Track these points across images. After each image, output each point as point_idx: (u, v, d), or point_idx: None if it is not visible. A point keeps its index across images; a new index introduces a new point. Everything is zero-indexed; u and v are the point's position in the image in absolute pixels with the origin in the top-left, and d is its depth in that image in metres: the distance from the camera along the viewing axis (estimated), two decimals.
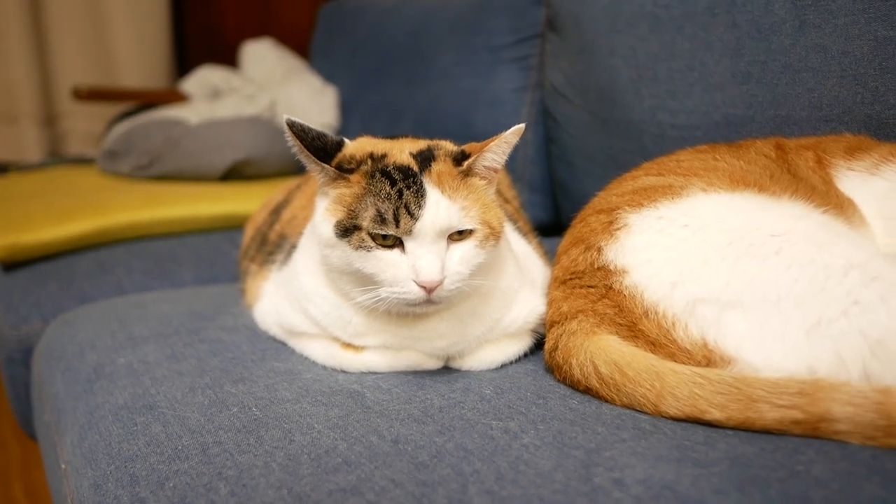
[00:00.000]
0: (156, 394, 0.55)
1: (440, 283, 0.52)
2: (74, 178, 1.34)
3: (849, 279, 0.54)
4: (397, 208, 0.52)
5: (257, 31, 2.09)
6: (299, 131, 0.56)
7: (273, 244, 0.77)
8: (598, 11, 1.04)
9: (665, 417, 0.52)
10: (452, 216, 0.53)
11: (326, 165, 0.56)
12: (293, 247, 0.71)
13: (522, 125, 0.58)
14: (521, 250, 0.71)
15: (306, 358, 0.62)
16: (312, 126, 0.58)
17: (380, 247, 0.53)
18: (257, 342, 0.65)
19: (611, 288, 0.60)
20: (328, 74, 1.85)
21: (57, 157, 1.80)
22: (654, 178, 0.69)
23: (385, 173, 0.54)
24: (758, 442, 0.48)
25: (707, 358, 0.54)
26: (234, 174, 1.29)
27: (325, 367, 0.60)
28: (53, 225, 0.99)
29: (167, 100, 1.87)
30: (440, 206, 0.53)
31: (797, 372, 0.52)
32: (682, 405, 0.52)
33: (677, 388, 0.53)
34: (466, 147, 0.59)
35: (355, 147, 0.58)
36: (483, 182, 0.58)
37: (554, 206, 1.31)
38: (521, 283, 0.64)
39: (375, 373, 0.59)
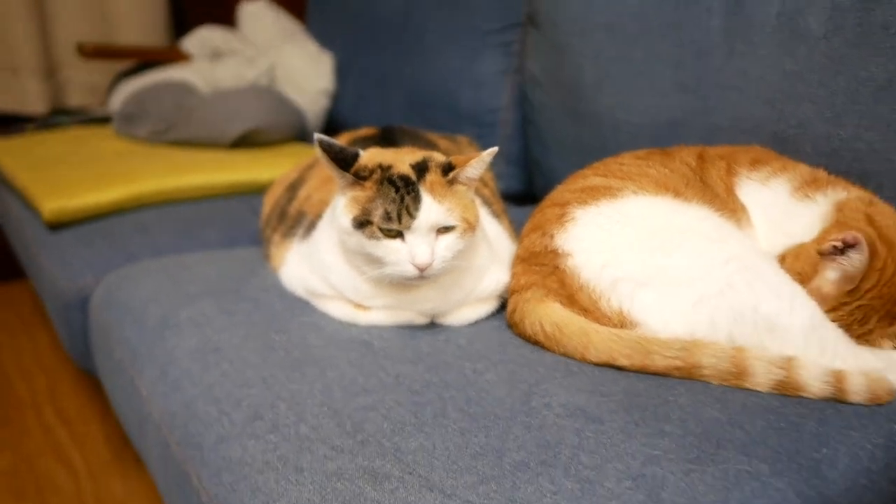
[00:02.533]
0: (218, 340, 0.74)
1: (430, 264, 0.71)
2: (97, 141, 1.48)
3: (727, 268, 0.73)
4: (400, 210, 0.70)
5: None
6: (326, 146, 0.73)
7: (293, 219, 0.95)
8: (569, 16, 1.21)
9: (589, 363, 0.73)
10: (440, 216, 0.72)
11: (347, 174, 0.73)
12: (311, 223, 0.89)
13: (496, 149, 0.76)
14: (493, 232, 0.89)
15: (326, 314, 0.82)
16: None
17: (386, 237, 0.71)
18: (287, 300, 0.85)
19: (557, 267, 0.79)
20: (323, 38, 1.97)
21: (67, 113, 1.92)
22: (599, 179, 0.88)
23: (391, 181, 0.72)
24: (649, 381, 0.69)
25: (622, 322, 0.74)
26: (244, 142, 1.45)
27: (341, 322, 0.80)
28: (93, 190, 1.16)
29: (169, 58, 1.99)
30: (431, 209, 0.71)
31: (683, 334, 0.72)
32: (600, 355, 0.73)
33: (599, 343, 0.73)
34: (453, 159, 0.76)
35: (368, 158, 0.76)
36: (464, 187, 0.76)
37: (528, 178, 1.49)
38: (491, 260, 0.84)
39: (379, 326, 0.79)
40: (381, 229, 0.71)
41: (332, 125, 2.00)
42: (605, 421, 0.60)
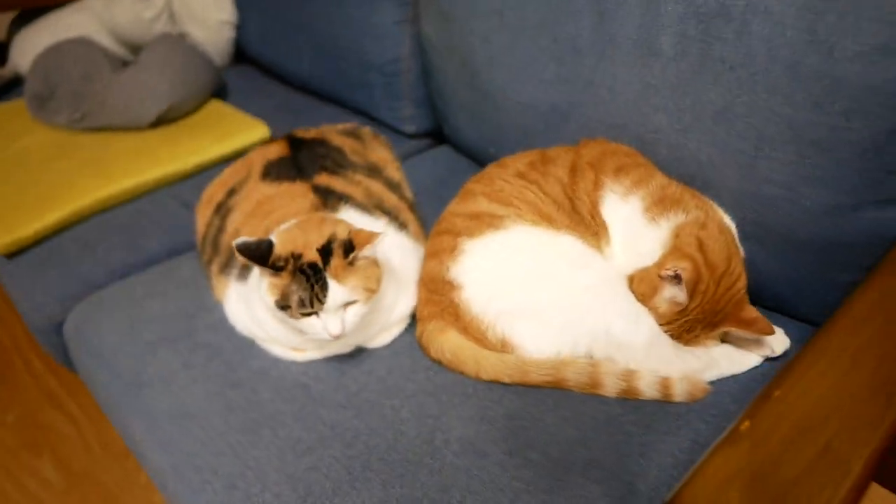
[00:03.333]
0: (188, 402, 0.91)
1: (343, 332, 0.88)
2: (19, 134, 1.48)
3: (586, 296, 0.92)
4: (311, 297, 0.85)
5: None
6: (243, 249, 0.85)
7: (225, 254, 1.07)
8: None
9: (481, 381, 0.93)
10: (345, 296, 0.86)
11: (266, 268, 0.86)
12: (244, 265, 1.02)
13: (387, 231, 0.88)
14: (399, 255, 1.02)
15: (267, 353, 0.99)
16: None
17: (304, 316, 0.87)
18: (234, 340, 1.00)
19: (452, 301, 0.96)
20: None
21: None
22: (486, 204, 1.02)
23: (302, 271, 0.86)
24: (527, 397, 0.90)
25: (505, 347, 0.93)
26: (160, 121, 1.49)
27: (281, 359, 0.98)
28: (38, 213, 1.24)
29: None
30: (337, 293, 0.85)
31: (552, 354, 0.92)
32: (489, 375, 0.92)
33: (488, 366, 0.93)
34: (354, 236, 0.88)
35: (280, 246, 0.87)
36: (364, 261, 0.89)
37: (435, 118, 1.58)
38: (399, 294, 1.00)
39: (314, 361, 0.97)
40: (298, 312, 0.86)
41: (240, 55, 1.98)
42: (488, 454, 0.82)
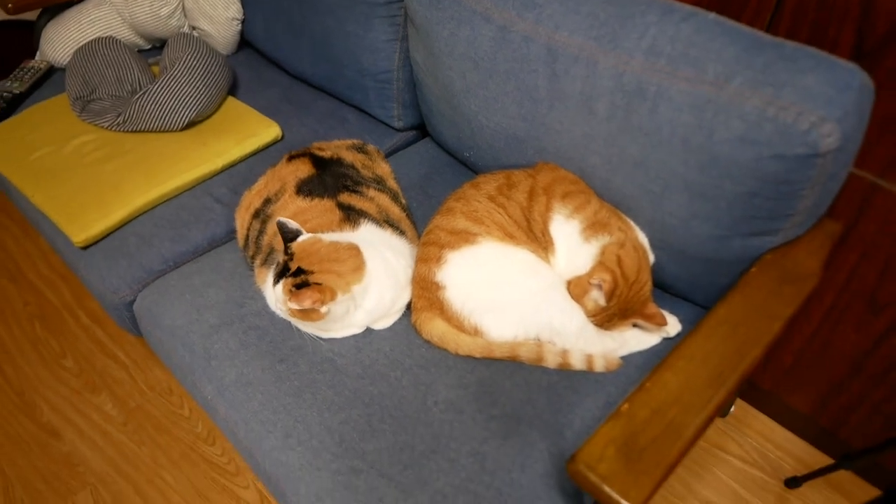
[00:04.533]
0: (247, 373, 1.26)
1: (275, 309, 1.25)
2: (73, 134, 1.74)
3: (536, 297, 1.27)
4: (276, 278, 1.20)
5: None
6: (282, 226, 1.20)
7: (266, 251, 1.39)
8: (440, 37, 1.50)
9: (459, 356, 1.30)
10: (280, 298, 1.20)
11: (285, 244, 1.21)
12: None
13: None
14: (401, 253, 1.37)
15: (301, 332, 1.34)
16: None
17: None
18: (277, 324, 1.35)
19: (438, 297, 1.31)
20: None
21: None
22: (463, 222, 1.35)
23: (286, 265, 1.19)
24: (492, 367, 1.26)
25: (476, 333, 1.28)
26: (191, 124, 1.76)
27: (312, 337, 1.32)
28: (105, 212, 1.53)
29: None
30: (278, 291, 1.20)
31: (510, 338, 1.28)
32: (465, 352, 1.28)
33: (464, 346, 1.28)
34: (313, 286, 1.17)
35: (298, 244, 1.21)
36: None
37: (420, 116, 1.87)
38: (400, 289, 1.34)
39: (337, 339, 1.32)
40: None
41: (243, 40, 2.21)
42: (464, 411, 1.20)
